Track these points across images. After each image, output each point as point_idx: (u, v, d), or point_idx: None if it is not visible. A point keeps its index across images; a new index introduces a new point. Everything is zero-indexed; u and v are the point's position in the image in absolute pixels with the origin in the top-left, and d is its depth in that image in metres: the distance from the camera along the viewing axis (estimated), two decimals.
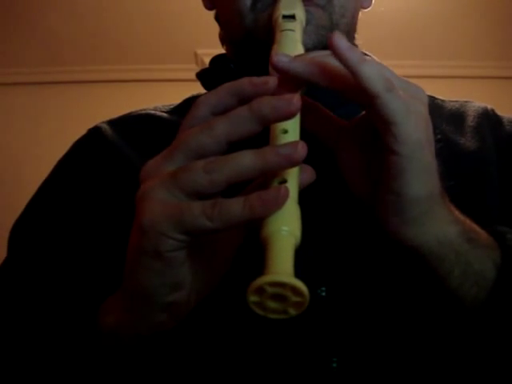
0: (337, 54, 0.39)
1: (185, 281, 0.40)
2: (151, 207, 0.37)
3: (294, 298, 0.34)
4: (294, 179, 0.38)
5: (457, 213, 0.45)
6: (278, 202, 0.35)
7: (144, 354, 0.44)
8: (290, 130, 0.40)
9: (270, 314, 0.35)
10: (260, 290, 0.33)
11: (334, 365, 0.48)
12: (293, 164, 0.37)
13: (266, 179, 0.39)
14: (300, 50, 0.48)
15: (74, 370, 0.45)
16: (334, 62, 0.40)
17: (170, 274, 0.39)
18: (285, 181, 0.38)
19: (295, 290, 0.33)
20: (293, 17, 0.52)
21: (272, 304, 0.34)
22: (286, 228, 0.35)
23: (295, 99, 0.37)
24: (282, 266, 0.33)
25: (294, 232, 0.36)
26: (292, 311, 0.35)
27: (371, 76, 0.38)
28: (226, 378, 0.49)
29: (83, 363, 0.45)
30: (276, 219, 0.35)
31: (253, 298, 0.34)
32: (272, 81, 0.39)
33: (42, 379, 0.47)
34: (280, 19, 0.52)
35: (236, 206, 0.35)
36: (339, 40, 0.39)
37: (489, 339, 0.45)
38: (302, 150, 0.36)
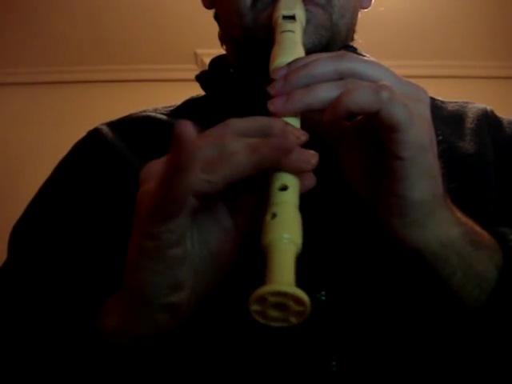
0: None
1: (185, 282, 0.40)
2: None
3: (296, 307, 0.34)
4: (294, 185, 0.38)
5: (459, 214, 0.45)
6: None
7: (145, 355, 0.44)
8: None
9: (272, 322, 0.35)
10: (262, 300, 0.33)
11: (334, 367, 0.48)
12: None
13: (267, 185, 0.39)
14: (300, 51, 0.47)
15: (74, 371, 0.45)
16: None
17: (170, 275, 0.38)
18: (286, 187, 0.38)
19: (297, 300, 0.33)
20: (293, 17, 0.52)
21: (273, 313, 0.34)
22: (287, 236, 0.35)
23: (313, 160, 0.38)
24: (283, 275, 0.33)
25: (295, 239, 0.35)
26: (293, 320, 0.35)
27: (366, 98, 0.38)
28: (227, 380, 0.49)
29: (84, 364, 0.45)
30: (277, 226, 0.35)
31: (254, 307, 0.34)
32: (304, 137, 0.39)
33: (42, 380, 0.47)
34: (280, 19, 0.52)
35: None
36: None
37: (490, 340, 0.45)
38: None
